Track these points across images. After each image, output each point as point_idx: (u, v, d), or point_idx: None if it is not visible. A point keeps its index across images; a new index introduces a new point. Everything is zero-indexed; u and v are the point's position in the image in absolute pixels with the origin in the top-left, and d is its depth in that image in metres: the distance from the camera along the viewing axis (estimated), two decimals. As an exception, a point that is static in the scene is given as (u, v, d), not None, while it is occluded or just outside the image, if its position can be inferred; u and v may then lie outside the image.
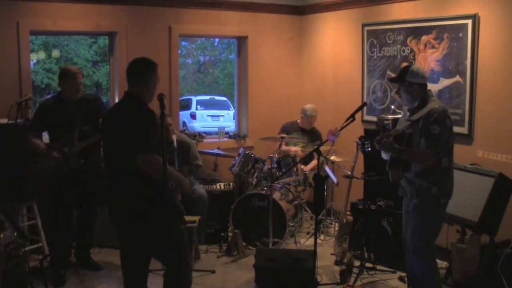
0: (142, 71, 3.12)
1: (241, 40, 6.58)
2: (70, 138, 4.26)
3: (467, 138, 4.66)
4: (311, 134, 6.03)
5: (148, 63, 3.15)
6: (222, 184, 5.59)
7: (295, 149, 5.77)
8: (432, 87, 4.94)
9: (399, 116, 4.83)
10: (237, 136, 6.62)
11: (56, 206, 4.39)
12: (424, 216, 3.54)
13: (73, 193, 4.41)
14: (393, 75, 5.41)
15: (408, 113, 3.64)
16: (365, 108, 5.60)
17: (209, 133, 7.34)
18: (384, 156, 3.67)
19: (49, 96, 4.73)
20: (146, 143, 2.94)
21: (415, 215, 3.58)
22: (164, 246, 3.15)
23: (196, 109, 15.12)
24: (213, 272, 4.63)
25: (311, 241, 4.85)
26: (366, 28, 5.72)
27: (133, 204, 3.07)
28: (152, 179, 2.98)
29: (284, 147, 5.64)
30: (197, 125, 13.98)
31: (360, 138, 4.53)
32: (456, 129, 4.74)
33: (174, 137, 4.73)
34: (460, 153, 4.64)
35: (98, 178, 4.68)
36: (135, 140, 2.94)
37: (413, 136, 3.48)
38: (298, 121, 6.07)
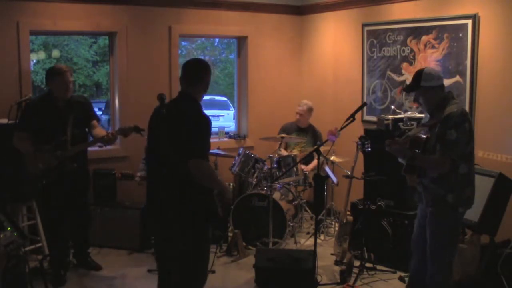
0: (200, 71, 3.12)
1: (241, 40, 6.58)
2: (63, 142, 4.20)
3: (467, 138, 4.66)
4: (310, 134, 6.04)
5: (206, 64, 3.18)
6: (222, 184, 5.58)
7: (294, 154, 5.76)
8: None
9: (399, 116, 4.84)
10: (237, 136, 6.62)
11: (49, 207, 4.36)
12: (441, 224, 3.39)
13: (65, 194, 4.36)
14: (393, 75, 5.42)
15: (428, 116, 3.50)
16: (365, 108, 5.59)
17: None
18: (401, 159, 3.55)
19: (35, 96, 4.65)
20: (200, 148, 2.92)
21: (432, 223, 3.43)
22: (184, 256, 3.11)
23: (196, 109, 15.09)
24: (213, 272, 4.62)
25: (311, 241, 4.85)
26: (366, 28, 5.72)
27: (171, 208, 3.05)
28: (196, 185, 2.96)
29: (283, 152, 5.63)
30: (197, 125, 13.95)
31: (360, 138, 4.53)
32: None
33: None
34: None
35: (88, 179, 4.69)
36: (191, 143, 2.91)
37: (430, 140, 3.37)
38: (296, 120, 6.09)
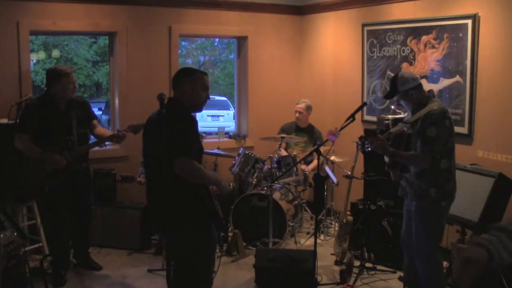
0: (179, 77, 3.19)
1: (241, 40, 6.58)
2: (70, 142, 4.21)
3: (467, 138, 4.66)
4: (310, 133, 6.04)
5: (186, 70, 3.24)
6: (222, 184, 5.57)
7: (294, 154, 5.76)
8: (432, 87, 4.94)
9: (400, 116, 4.84)
10: (237, 136, 6.62)
11: (54, 208, 4.36)
12: (425, 218, 3.50)
13: (70, 194, 4.38)
14: (393, 74, 5.42)
15: (410, 114, 3.60)
16: (365, 108, 5.59)
17: (209, 133, 7.34)
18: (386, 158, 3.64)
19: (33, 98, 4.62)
20: (183, 148, 2.94)
21: (416, 217, 3.54)
22: (186, 257, 3.13)
23: (196, 109, 15.08)
24: (213, 272, 4.62)
25: (311, 241, 4.85)
26: (366, 28, 5.72)
27: (170, 210, 3.07)
28: (193, 186, 3.00)
29: (282, 152, 5.63)
30: (197, 125, 13.95)
31: (360, 138, 4.52)
32: (456, 129, 4.72)
33: None
34: (460, 153, 4.62)
35: (91, 179, 4.70)
36: (173, 143, 2.93)
37: (412, 137, 3.46)
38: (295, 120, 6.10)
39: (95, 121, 4.50)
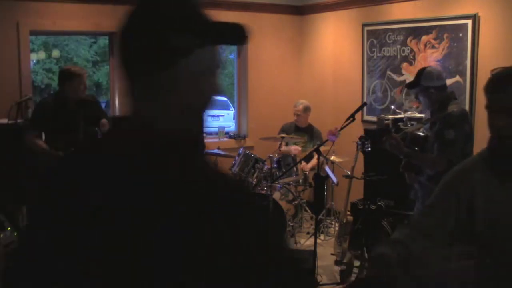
0: None
1: (241, 40, 6.57)
2: (77, 140, 4.22)
3: (467, 138, 4.66)
4: (310, 133, 6.03)
5: None
6: (222, 184, 5.57)
7: (295, 148, 5.76)
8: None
9: (399, 116, 4.84)
10: (237, 136, 6.62)
11: None
12: None
13: None
14: (393, 75, 5.43)
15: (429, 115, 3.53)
16: (365, 108, 5.58)
17: (209, 133, 7.34)
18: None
19: (46, 96, 4.70)
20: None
21: None
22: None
23: (196, 109, 15.07)
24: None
25: (311, 241, 4.85)
26: (366, 28, 5.72)
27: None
28: None
29: (284, 148, 5.64)
30: (197, 125, 13.94)
31: (360, 138, 4.53)
32: (456, 129, 4.76)
33: None
34: (460, 153, 4.64)
35: None
36: None
37: (429, 138, 3.40)
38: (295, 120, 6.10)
39: (104, 120, 4.52)
